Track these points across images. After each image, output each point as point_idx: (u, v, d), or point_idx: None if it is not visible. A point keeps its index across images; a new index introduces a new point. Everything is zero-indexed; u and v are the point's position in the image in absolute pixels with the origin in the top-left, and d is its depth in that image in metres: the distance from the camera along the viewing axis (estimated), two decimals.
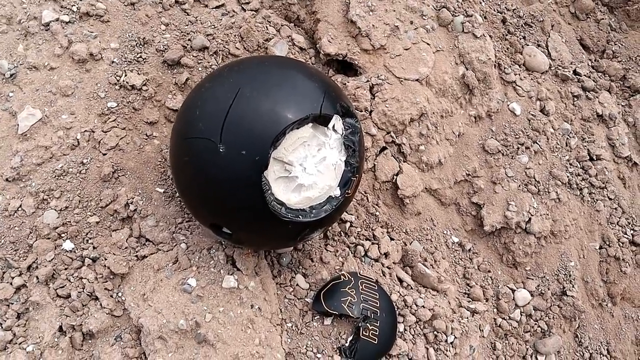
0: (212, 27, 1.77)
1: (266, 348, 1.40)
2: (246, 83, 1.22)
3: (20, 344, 1.39)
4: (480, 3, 2.14)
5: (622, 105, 2.31)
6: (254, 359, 1.36)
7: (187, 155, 1.26)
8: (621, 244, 2.10)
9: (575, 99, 2.20)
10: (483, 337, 1.78)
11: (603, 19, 2.37)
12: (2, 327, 1.40)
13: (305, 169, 1.27)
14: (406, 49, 1.89)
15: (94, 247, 1.49)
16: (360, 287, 1.57)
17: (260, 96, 1.20)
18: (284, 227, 1.26)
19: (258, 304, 1.45)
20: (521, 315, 1.89)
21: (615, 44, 2.37)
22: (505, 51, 2.16)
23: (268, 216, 1.22)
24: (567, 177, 2.06)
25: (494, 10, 2.18)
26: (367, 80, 1.84)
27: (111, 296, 1.45)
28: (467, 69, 1.96)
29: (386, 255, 1.75)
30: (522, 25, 2.22)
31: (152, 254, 1.50)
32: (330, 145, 1.30)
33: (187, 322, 1.36)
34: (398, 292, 1.67)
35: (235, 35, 1.78)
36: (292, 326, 1.51)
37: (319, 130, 1.28)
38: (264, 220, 1.23)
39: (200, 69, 1.71)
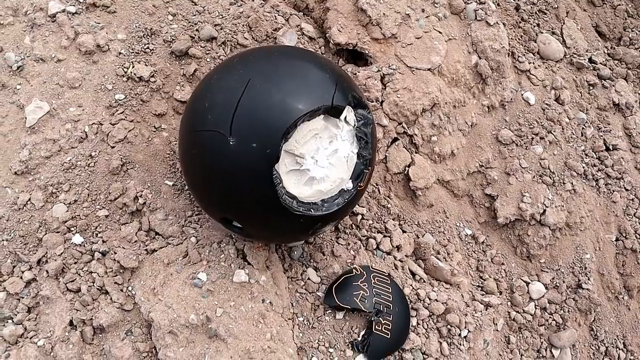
0: (220, 17, 1.74)
1: (278, 343, 1.39)
2: (256, 74, 1.19)
3: (31, 338, 1.39)
4: None
5: (639, 94, 2.26)
6: (265, 353, 1.35)
7: (196, 148, 1.24)
8: (638, 236, 2.06)
9: (591, 88, 2.16)
10: (497, 330, 1.76)
11: (620, 4, 2.31)
12: (13, 322, 1.40)
13: (317, 161, 1.25)
14: (418, 38, 1.85)
15: (103, 241, 1.48)
16: (373, 281, 1.55)
17: (270, 87, 1.17)
18: (295, 221, 1.24)
19: (269, 299, 1.43)
20: (536, 308, 1.87)
21: (632, 31, 2.31)
22: (519, 39, 2.11)
23: (279, 210, 1.20)
24: (583, 167, 2.02)
25: None
26: (378, 70, 1.81)
27: (121, 290, 1.44)
28: (480, 58, 1.92)
29: (398, 248, 1.73)
30: (536, 12, 2.17)
31: (161, 247, 1.49)
32: (342, 137, 1.28)
33: (197, 317, 1.35)
34: (411, 285, 1.65)
35: (243, 25, 1.75)
36: (303, 320, 1.49)
37: (331, 122, 1.26)
38: (275, 214, 1.21)
39: (208, 59, 1.69)
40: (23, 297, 1.43)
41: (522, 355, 1.79)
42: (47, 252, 1.45)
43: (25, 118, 1.51)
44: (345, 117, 1.26)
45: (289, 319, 1.46)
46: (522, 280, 1.90)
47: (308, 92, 1.20)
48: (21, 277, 1.43)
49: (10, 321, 1.41)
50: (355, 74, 1.81)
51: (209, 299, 1.38)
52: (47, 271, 1.43)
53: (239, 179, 1.18)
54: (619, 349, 1.96)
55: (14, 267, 1.44)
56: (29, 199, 1.48)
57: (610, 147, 2.10)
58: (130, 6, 1.67)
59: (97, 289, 1.43)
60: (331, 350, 1.48)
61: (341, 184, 1.29)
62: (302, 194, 1.24)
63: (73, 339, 1.38)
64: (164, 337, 1.35)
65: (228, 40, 1.72)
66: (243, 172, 1.17)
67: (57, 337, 1.38)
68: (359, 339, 1.51)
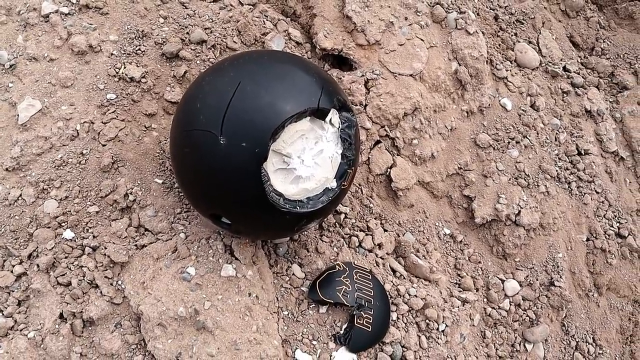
0: (210, 20, 1.79)
1: (263, 335, 1.44)
2: (246, 77, 1.25)
3: (21, 330, 1.41)
4: (473, 0, 2.17)
5: (610, 102, 2.37)
6: (251, 345, 1.40)
7: (187, 146, 1.29)
8: (607, 236, 2.15)
9: (565, 95, 2.25)
10: (473, 325, 1.83)
11: (592, 16, 2.42)
12: (3, 314, 1.42)
13: (303, 161, 1.30)
14: (400, 45, 1.92)
15: (94, 236, 1.52)
16: (355, 277, 1.61)
17: (260, 90, 1.23)
18: (282, 217, 1.29)
19: (255, 292, 1.48)
20: (510, 304, 1.94)
21: (604, 42, 2.42)
22: (497, 47, 2.20)
23: (267, 206, 1.25)
24: (556, 171, 2.11)
25: (487, 7, 2.22)
26: (362, 75, 1.88)
27: (111, 284, 1.48)
28: (459, 65, 2.00)
29: (380, 246, 1.79)
30: (513, 22, 2.26)
31: (151, 243, 1.53)
32: (327, 139, 1.34)
33: (186, 310, 1.39)
34: (391, 281, 1.71)
35: (232, 29, 1.80)
36: (288, 314, 1.55)
37: (317, 123, 1.32)
38: (263, 210, 1.27)
39: (198, 62, 1.74)
40: (13, 291, 1.45)
41: (497, 349, 1.86)
42: (37, 247, 1.48)
43: (18, 115, 1.54)
44: (331, 119, 1.32)
45: (274, 312, 1.51)
46: (497, 278, 1.98)
47: (295, 95, 1.26)
48: (12, 271, 1.46)
49: (0, 314, 1.43)
50: (340, 78, 1.87)
51: (197, 293, 1.42)
52: (37, 265, 1.46)
53: (228, 177, 1.23)
54: (589, 344, 2.05)
55: (4, 261, 1.47)
56: (20, 195, 1.51)
57: (582, 152, 2.19)
58: (123, 8, 1.71)
59: (88, 282, 1.47)
60: (315, 342, 1.53)
61: (326, 183, 1.35)
62: (289, 192, 1.29)
63: (63, 332, 1.41)
64: (153, 329, 1.39)
65: (217, 44, 1.77)
66: (233, 170, 1.22)
67: (47, 330, 1.41)
68: (342, 332, 1.56)
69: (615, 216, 2.20)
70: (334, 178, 1.37)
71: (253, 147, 1.20)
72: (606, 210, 2.18)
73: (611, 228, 2.17)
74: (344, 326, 1.58)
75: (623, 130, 2.34)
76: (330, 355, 1.52)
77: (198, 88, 1.32)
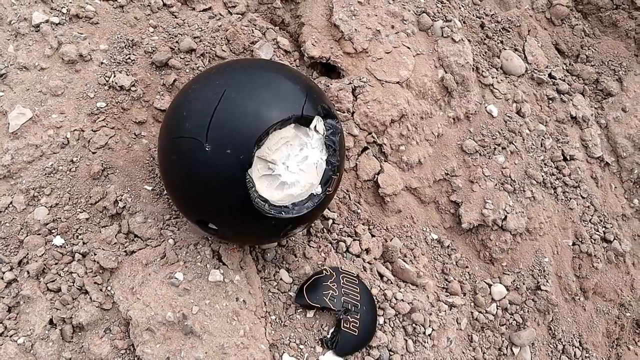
0: (199, 29, 1.82)
1: (251, 339, 1.46)
2: (231, 85, 1.28)
3: (11, 336, 1.42)
4: (460, 8, 2.21)
5: (595, 108, 2.41)
6: (238, 349, 1.42)
7: (174, 153, 1.31)
8: (593, 241, 2.18)
9: (550, 102, 2.29)
10: (460, 329, 1.85)
11: (577, 24, 2.46)
12: None
13: (287, 167, 1.33)
14: (387, 53, 1.95)
15: (83, 243, 1.54)
16: (342, 281, 1.63)
17: (244, 98, 1.25)
18: (267, 222, 1.31)
19: (243, 297, 1.50)
20: (497, 309, 1.96)
21: (588, 49, 2.46)
22: (483, 55, 2.24)
23: (252, 212, 1.27)
24: (542, 176, 2.14)
25: (473, 16, 2.26)
26: (350, 83, 1.91)
27: (101, 290, 1.49)
28: (446, 72, 2.04)
29: (367, 251, 1.82)
30: (499, 30, 2.30)
31: (140, 249, 1.55)
32: (312, 145, 1.36)
33: (174, 314, 1.41)
34: (378, 286, 1.73)
35: (221, 38, 1.83)
36: (275, 319, 1.57)
37: (301, 130, 1.34)
38: (249, 216, 1.29)
39: (187, 70, 1.77)
40: (3, 297, 1.46)
41: (484, 352, 1.88)
42: (28, 254, 1.50)
43: (8, 124, 1.56)
44: (315, 126, 1.35)
45: (261, 317, 1.53)
46: (484, 282, 2.00)
47: (280, 103, 1.29)
48: (2, 278, 1.47)
49: None
50: (328, 86, 1.90)
51: (185, 298, 1.44)
52: (27, 272, 1.48)
53: (214, 183, 1.26)
54: (576, 347, 2.07)
55: None
56: (11, 202, 1.53)
57: (568, 158, 2.22)
58: (113, 18, 1.74)
59: (77, 288, 1.48)
60: (302, 347, 1.55)
61: (311, 189, 1.38)
62: (274, 198, 1.32)
63: (53, 337, 1.42)
64: (142, 334, 1.41)
65: (207, 52, 1.80)
66: (218, 177, 1.25)
67: (37, 335, 1.42)
68: (328, 336, 1.58)
69: (601, 221, 2.23)
70: (319, 184, 1.39)
71: (238, 154, 1.22)
72: (592, 215, 2.21)
73: (597, 232, 2.20)
74: (331, 330, 1.60)
75: (608, 136, 2.38)
76: (317, 359, 1.54)
77: (185, 96, 1.35)
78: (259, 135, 1.22)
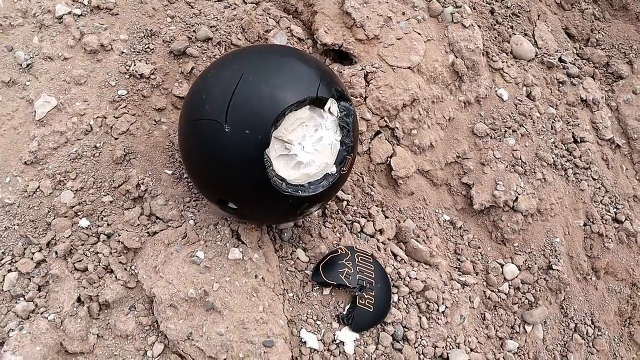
0: (215, 19, 1.87)
1: (269, 315, 1.51)
2: (249, 69, 1.33)
3: (42, 313, 1.49)
4: None
5: (605, 91, 2.42)
6: (258, 324, 1.47)
7: (194, 135, 1.37)
8: (604, 221, 2.20)
9: (561, 85, 2.31)
10: (473, 307, 1.89)
11: (587, 8, 2.47)
12: (24, 298, 1.51)
13: (303, 147, 1.38)
14: (398, 39, 1.99)
15: (108, 224, 1.60)
16: (357, 260, 1.68)
17: (261, 81, 1.30)
18: (284, 201, 1.37)
19: (262, 274, 1.56)
20: (509, 288, 1.99)
21: (598, 33, 2.47)
22: (493, 40, 2.26)
23: (270, 191, 1.33)
24: (553, 158, 2.17)
25: (483, 1, 2.28)
26: (362, 69, 1.95)
27: (125, 269, 1.56)
28: (456, 57, 2.07)
29: (381, 231, 1.86)
30: (509, 15, 2.32)
31: (162, 230, 1.61)
32: (326, 126, 1.41)
33: (196, 291, 1.47)
34: (392, 265, 1.78)
35: (237, 27, 1.88)
36: (293, 296, 1.62)
37: (316, 112, 1.39)
38: (266, 194, 1.34)
39: (204, 58, 1.82)
40: (34, 277, 1.53)
41: (497, 330, 1.92)
42: (55, 235, 1.57)
43: (35, 112, 1.63)
44: (329, 108, 1.40)
45: (279, 294, 1.59)
46: (496, 262, 2.03)
47: (295, 85, 1.33)
48: (32, 258, 1.54)
49: (22, 298, 1.52)
50: (341, 72, 1.95)
51: (206, 275, 1.50)
52: (56, 252, 1.54)
53: (233, 163, 1.31)
54: (587, 325, 2.10)
55: (25, 249, 1.55)
56: (38, 187, 1.59)
57: (578, 140, 2.25)
58: (132, 9, 1.80)
59: (103, 268, 1.55)
60: (319, 322, 1.60)
61: (326, 169, 1.43)
62: (291, 177, 1.37)
63: (81, 314, 1.49)
64: (165, 310, 1.47)
65: (223, 41, 1.85)
66: (237, 156, 1.30)
67: (66, 312, 1.48)
68: (344, 312, 1.63)
69: (612, 202, 2.25)
70: (334, 164, 1.44)
71: (256, 135, 1.27)
72: (603, 196, 2.23)
73: (608, 213, 2.22)
74: (347, 307, 1.65)
75: (619, 118, 2.39)
76: (334, 335, 1.59)
77: (203, 81, 1.40)
78: (276, 116, 1.27)
